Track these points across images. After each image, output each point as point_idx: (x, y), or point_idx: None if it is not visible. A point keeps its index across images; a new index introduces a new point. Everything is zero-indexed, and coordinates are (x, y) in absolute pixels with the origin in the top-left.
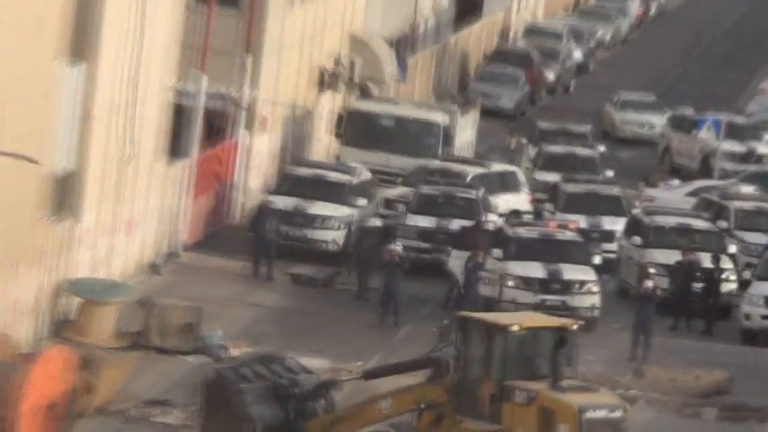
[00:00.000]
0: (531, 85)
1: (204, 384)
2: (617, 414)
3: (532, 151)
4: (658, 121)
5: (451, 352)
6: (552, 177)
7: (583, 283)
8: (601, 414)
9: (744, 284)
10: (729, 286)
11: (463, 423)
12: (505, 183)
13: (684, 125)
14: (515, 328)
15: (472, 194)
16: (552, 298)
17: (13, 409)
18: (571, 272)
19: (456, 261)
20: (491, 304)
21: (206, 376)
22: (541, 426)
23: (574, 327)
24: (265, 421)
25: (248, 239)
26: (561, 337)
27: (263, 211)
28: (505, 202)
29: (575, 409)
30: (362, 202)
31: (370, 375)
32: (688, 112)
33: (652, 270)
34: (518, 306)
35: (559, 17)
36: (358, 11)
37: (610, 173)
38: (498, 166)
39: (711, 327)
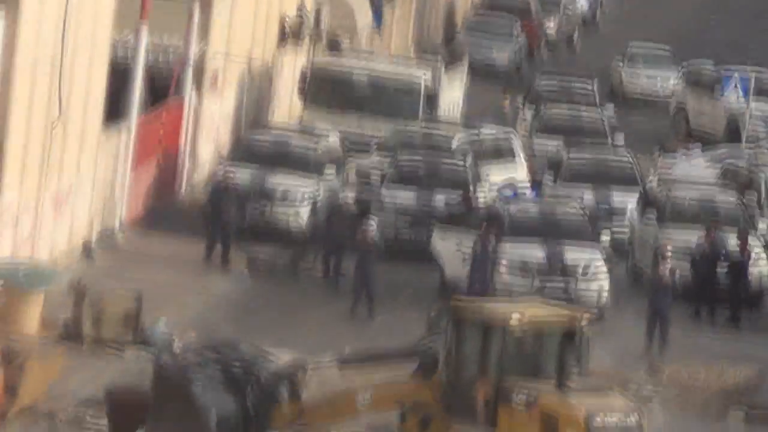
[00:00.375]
0: (528, 37)
1: (153, 373)
2: (632, 420)
3: (529, 114)
4: (673, 77)
5: (440, 345)
6: (553, 143)
7: (588, 265)
8: (612, 420)
9: None
10: (759, 269)
11: (452, 428)
12: (498, 150)
13: (703, 83)
14: (515, 320)
15: (459, 163)
16: (552, 284)
17: None
18: (574, 253)
19: (441, 242)
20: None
21: (154, 365)
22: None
23: (585, 318)
24: (220, 412)
25: (203, 218)
26: (569, 330)
27: (221, 186)
28: (498, 172)
29: (583, 414)
30: (330, 172)
31: (345, 362)
32: (707, 67)
33: (669, 251)
34: (513, 292)
35: None
36: None
37: (620, 138)
38: (490, 131)
39: (738, 316)
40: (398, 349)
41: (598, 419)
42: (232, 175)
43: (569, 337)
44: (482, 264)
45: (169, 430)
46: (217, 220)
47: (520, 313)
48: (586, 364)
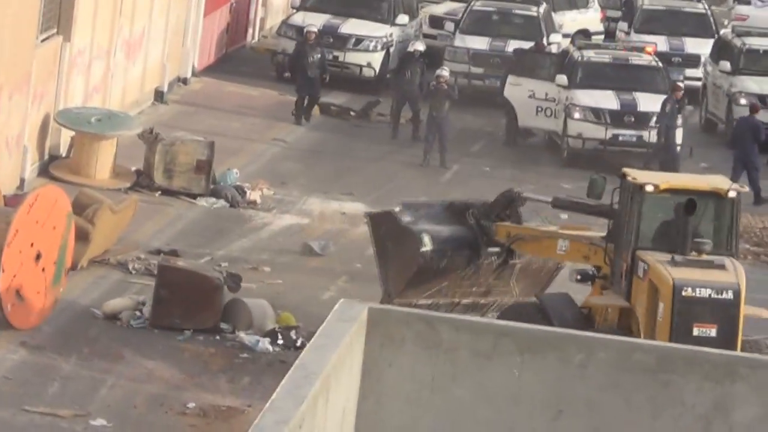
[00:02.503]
0: None
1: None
2: (725, 295)
3: None
4: None
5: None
6: None
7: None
8: (704, 294)
9: None
10: None
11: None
12: None
13: None
14: (650, 188)
15: (533, 11)
16: (625, 133)
17: None
18: (648, 102)
19: (513, 89)
20: (555, 140)
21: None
22: (650, 302)
23: (732, 190)
24: (434, 233)
25: (290, 71)
26: (689, 202)
27: (304, 44)
28: (571, 20)
29: (671, 285)
30: (403, 19)
31: (558, 203)
32: None
33: (743, 101)
34: (586, 141)
35: None
36: None
37: None
38: None
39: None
40: (599, 205)
41: (687, 290)
42: (314, 30)
43: (689, 209)
44: (670, 120)
45: (394, 266)
46: (304, 75)
47: (660, 182)
48: (732, 238)
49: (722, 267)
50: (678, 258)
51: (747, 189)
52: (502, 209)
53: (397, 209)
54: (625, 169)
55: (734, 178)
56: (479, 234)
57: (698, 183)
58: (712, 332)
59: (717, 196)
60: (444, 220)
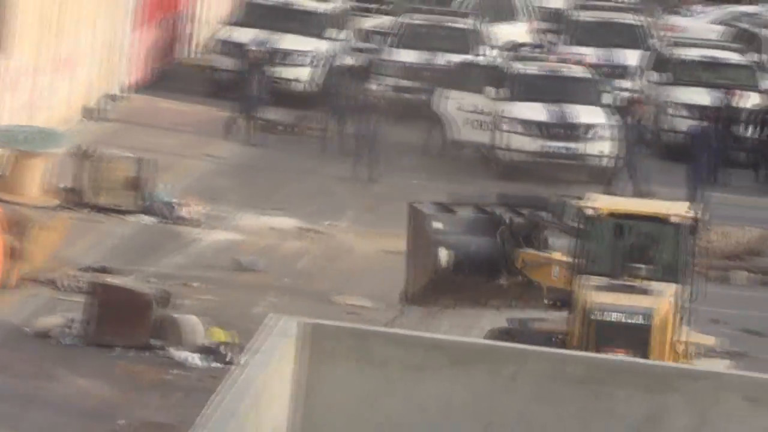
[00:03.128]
0: None
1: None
2: (636, 320)
3: None
4: None
5: None
6: (558, 2)
7: (593, 126)
8: (615, 318)
9: None
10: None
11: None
12: (503, 10)
13: None
14: (591, 212)
15: (464, 24)
16: (557, 145)
17: None
18: (579, 114)
19: (445, 102)
20: (484, 153)
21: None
22: (575, 325)
23: (674, 219)
24: (457, 249)
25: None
26: (617, 226)
27: (252, 63)
28: (503, 32)
29: (583, 308)
30: (338, 34)
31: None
32: None
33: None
34: (517, 154)
35: None
36: None
37: None
38: None
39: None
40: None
41: (597, 314)
42: (257, 49)
43: (619, 233)
44: (635, 132)
45: (414, 267)
46: (243, 93)
47: (603, 206)
48: (679, 264)
49: (646, 292)
50: (605, 283)
51: (700, 214)
52: (528, 232)
53: (432, 209)
54: (590, 194)
55: (691, 191)
56: (502, 256)
57: (643, 207)
58: (623, 357)
59: (661, 221)
60: (475, 230)
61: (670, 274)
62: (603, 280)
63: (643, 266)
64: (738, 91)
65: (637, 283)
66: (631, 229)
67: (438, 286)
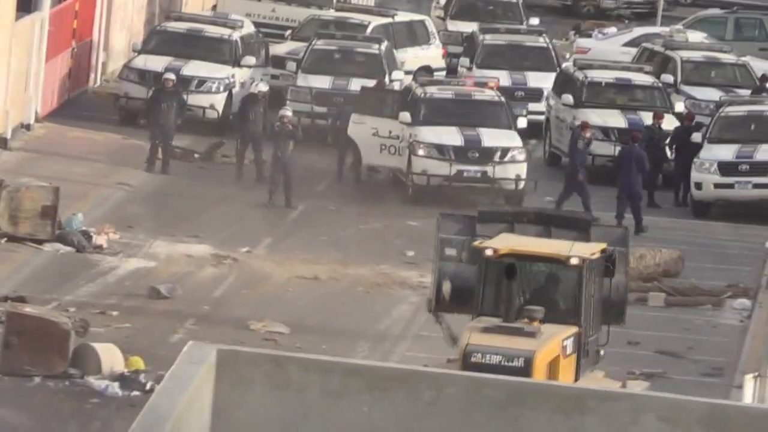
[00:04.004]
0: None
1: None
2: (516, 363)
3: None
4: None
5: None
6: (467, 27)
7: (506, 150)
8: (493, 360)
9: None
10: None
11: None
12: (413, 35)
13: None
14: (489, 252)
15: (375, 49)
16: (470, 169)
17: None
18: (492, 138)
19: (356, 127)
20: (400, 177)
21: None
22: (459, 363)
23: (573, 261)
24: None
25: (147, 124)
26: (509, 267)
27: (161, 91)
28: (413, 57)
29: (462, 350)
30: (251, 60)
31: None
32: None
33: (588, 133)
34: (430, 178)
35: None
36: None
37: (535, 20)
38: (404, 16)
39: (653, 198)
40: None
41: (476, 356)
42: (171, 78)
43: (510, 274)
44: (580, 156)
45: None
46: (156, 123)
47: (500, 246)
48: (578, 305)
49: (532, 335)
50: (492, 325)
51: (597, 256)
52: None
53: (456, 227)
54: (503, 234)
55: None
56: None
57: (543, 248)
58: (539, 380)
59: (560, 262)
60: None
61: (570, 316)
62: (492, 322)
63: (538, 308)
64: (663, 114)
65: (526, 325)
66: (529, 271)
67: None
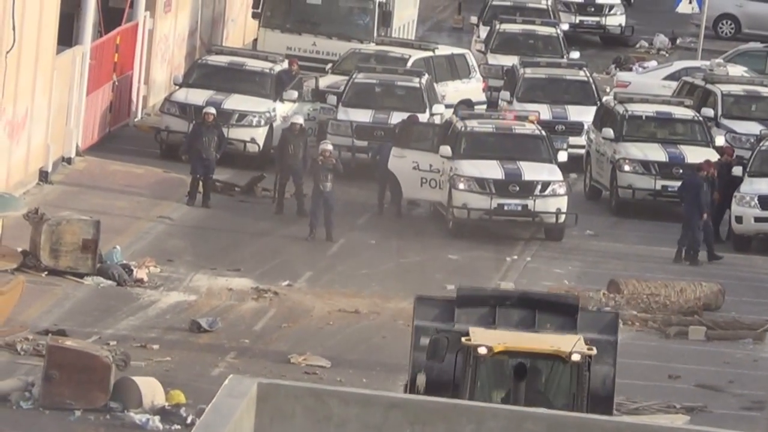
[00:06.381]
0: None
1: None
2: None
3: (483, 31)
4: None
5: None
6: (508, 60)
7: (546, 184)
8: None
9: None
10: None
11: None
12: (454, 68)
13: None
14: (483, 350)
15: (415, 82)
16: (510, 202)
17: None
18: (532, 172)
19: (397, 161)
20: (440, 210)
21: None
22: None
23: (575, 357)
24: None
25: (187, 155)
26: (519, 367)
27: (201, 125)
28: (453, 90)
29: None
30: (293, 95)
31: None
32: None
33: (627, 167)
34: (471, 211)
35: None
36: None
37: (575, 54)
38: (445, 49)
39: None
40: None
41: None
42: (212, 112)
43: (519, 374)
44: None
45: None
46: (199, 156)
47: (495, 344)
48: (578, 403)
49: None
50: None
51: (595, 351)
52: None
53: (423, 321)
54: (475, 329)
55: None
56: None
57: (539, 345)
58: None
59: (559, 359)
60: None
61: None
62: None
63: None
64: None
65: None
66: (525, 370)
67: None
